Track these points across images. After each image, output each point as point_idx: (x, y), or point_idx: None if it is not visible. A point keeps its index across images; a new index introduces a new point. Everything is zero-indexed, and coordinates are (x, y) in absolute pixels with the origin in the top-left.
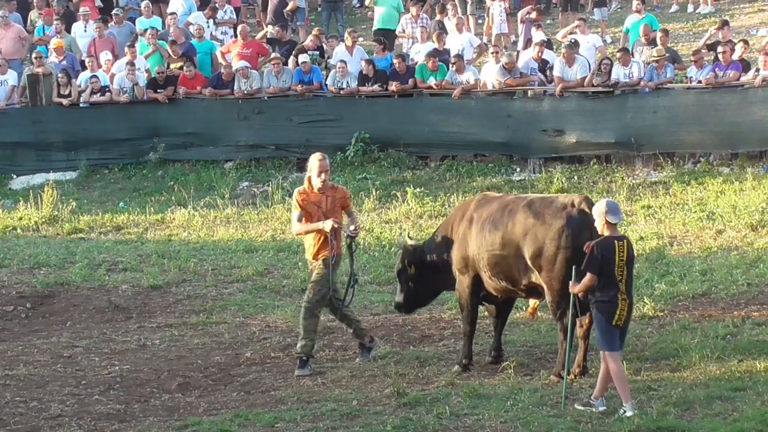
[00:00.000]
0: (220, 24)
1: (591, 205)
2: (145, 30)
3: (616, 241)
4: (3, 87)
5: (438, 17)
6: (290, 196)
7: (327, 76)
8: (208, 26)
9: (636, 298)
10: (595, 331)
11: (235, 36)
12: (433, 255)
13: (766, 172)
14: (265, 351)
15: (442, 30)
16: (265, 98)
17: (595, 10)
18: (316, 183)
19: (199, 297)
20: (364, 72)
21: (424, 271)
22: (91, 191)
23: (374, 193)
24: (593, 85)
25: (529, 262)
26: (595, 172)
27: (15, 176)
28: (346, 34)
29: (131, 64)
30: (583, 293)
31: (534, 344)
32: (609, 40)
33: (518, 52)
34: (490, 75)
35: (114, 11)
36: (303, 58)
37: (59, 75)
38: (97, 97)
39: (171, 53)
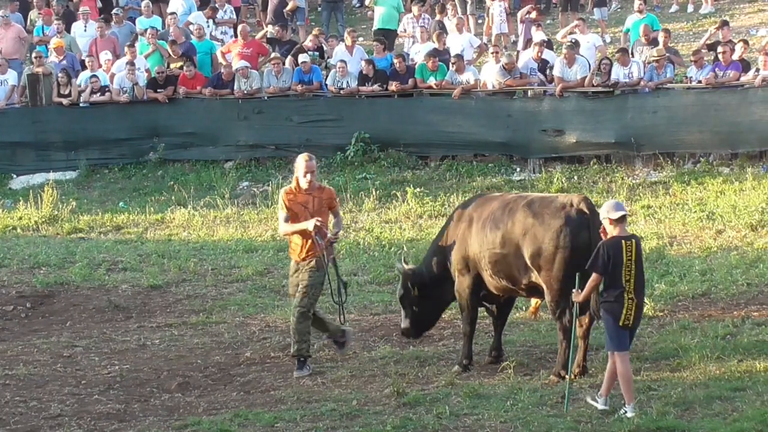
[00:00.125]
0: (220, 24)
1: (590, 205)
2: (145, 30)
3: (623, 241)
4: (3, 87)
5: (438, 17)
6: None
7: (327, 76)
8: (208, 26)
9: None
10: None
11: (235, 36)
12: (433, 269)
13: (766, 172)
14: (265, 351)
15: (442, 30)
16: (265, 98)
17: (595, 10)
18: (303, 183)
19: (199, 297)
20: (364, 72)
21: (428, 290)
22: (91, 191)
23: (374, 193)
24: (593, 85)
25: (528, 262)
26: (595, 172)
27: (15, 176)
28: (346, 34)
29: (131, 63)
30: (586, 298)
31: (534, 344)
32: (609, 40)
33: (518, 52)
34: (490, 75)
35: (114, 11)
36: (303, 57)
37: (59, 75)
38: (97, 97)
39: (171, 53)
